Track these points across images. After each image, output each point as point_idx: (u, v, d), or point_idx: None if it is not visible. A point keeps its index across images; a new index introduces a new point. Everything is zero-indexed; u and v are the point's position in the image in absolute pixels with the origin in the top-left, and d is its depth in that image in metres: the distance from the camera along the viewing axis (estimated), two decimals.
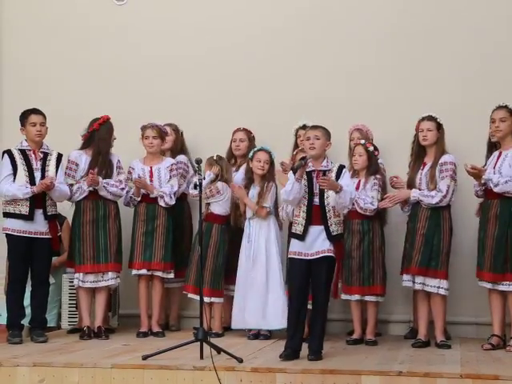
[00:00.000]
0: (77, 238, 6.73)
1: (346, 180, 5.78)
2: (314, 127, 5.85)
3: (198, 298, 6.42)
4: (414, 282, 6.33)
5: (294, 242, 5.81)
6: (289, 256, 5.88)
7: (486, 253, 6.20)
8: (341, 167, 5.81)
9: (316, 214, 5.72)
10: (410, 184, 6.43)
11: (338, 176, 5.74)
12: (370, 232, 6.52)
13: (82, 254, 6.69)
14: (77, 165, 6.75)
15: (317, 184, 5.73)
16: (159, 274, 6.87)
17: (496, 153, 6.30)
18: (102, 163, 6.72)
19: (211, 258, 6.79)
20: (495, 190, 6.11)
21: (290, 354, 5.61)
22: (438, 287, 6.29)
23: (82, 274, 6.68)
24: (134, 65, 7.78)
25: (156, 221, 6.88)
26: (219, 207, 6.85)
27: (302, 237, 5.72)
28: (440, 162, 6.33)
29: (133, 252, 6.90)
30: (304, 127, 6.92)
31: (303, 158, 5.66)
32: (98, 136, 6.75)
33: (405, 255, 6.49)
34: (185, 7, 7.79)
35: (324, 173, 5.75)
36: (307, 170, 5.72)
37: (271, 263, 6.62)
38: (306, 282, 5.70)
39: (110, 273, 6.72)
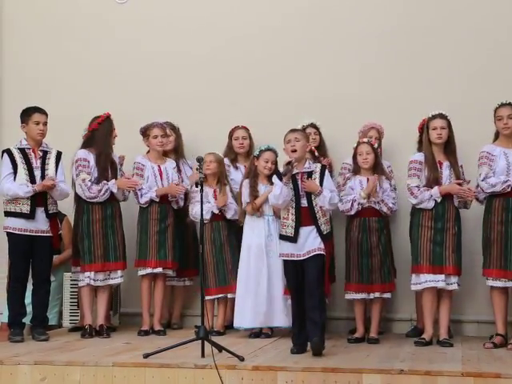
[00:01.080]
0: (86, 236, 6.70)
1: (330, 183, 5.90)
2: (293, 130, 5.97)
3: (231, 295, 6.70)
4: (447, 283, 6.24)
5: (284, 243, 5.89)
6: (281, 258, 5.98)
7: None
8: (323, 167, 5.93)
9: (305, 215, 5.82)
10: (436, 183, 6.27)
11: (321, 177, 5.85)
12: (384, 229, 6.55)
13: (93, 253, 6.68)
14: (88, 161, 6.71)
15: (302, 186, 5.83)
16: (170, 272, 6.90)
17: (508, 151, 6.24)
18: (106, 163, 6.71)
19: (229, 253, 6.83)
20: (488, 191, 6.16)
21: (300, 349, 5.79)
22: (458, 284, 6.32)
23: (93, 272, 6.67)
24: (135, 64, 7.79)
25: (167, 220, 6.90)
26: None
27: (293, 239, 5.80)
28: (460, 164, 6.36)
29: (144, 251, 6.86)
30: (312, 125, 6.93)
31: (289, 163, 5.74)
32: (98, 136, 6.73)
33: (420, 254, 6.29)
34: (184, 6, 7.79)
35: (308, 174, 5.83)
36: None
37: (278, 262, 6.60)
38: (303, 280, 5.78)
39: (119, 271, 6.73)
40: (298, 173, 5.86)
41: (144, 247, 6.88)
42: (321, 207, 5.83)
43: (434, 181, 6.29)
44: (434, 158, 6.34)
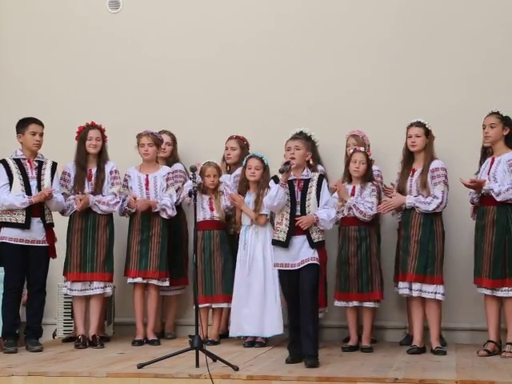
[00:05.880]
0: (66, 246, 6.75)
1: (326, 196, 5.86)
2: (294, 138, 5.97)
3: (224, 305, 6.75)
4: (410, 289, 6.31)
5: (278, 252, 5.86)
6: (275, 268, 5.96)
7: (483, 259, 6.20)
8: (321, 177, 5.89)
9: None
10: (401, 191, 6.42)
11: (318, 185, 5.82)
12: (367, 238, 6.53)
13: (70, 262, 6.70)
14: (69, 175, 6.76)
15: (298, 193, 5.80)
16: (154, 282, 6.87)
17: (489, 159, 6.32)
18: (80, 174, 6.69)
19: (222, 263, 6.84)
20: (498, 199, 6.12)
21: (295, 357, 5.74)
22: (435, 293, 6.29)
23: (69, 282, 6.69)
24: (130, 72, 7.76)
25: (151, 230, 6.88)
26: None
27: (284, 243, 5.76)
28: (431, 168, 6.33)
29: (128, 260, 6.90)
30: (301, 134, 6.93)
31: (287, 163, 5.71)
32: (76, 147, 6.77)
33: (398, 262, 6.49)
34: (179, 14, 7.78)
35: (305, 182, 5.81)
36: (288, 179, 5.77)
37: (268, 270, 6.61)
38: (298, 290, 5.75)
39: (95, 282, 6.70)
40: (295, 179, 5.83)
41: (128, 257, 6.91)
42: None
43: (401, 190, 6.40)
44: (408, 166, 6.42)
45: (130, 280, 6.87)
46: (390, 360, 5.97)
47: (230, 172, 7.17)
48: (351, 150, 6.68)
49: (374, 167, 6.83)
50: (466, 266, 6.56)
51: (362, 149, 6.64)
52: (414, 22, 7.34)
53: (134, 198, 6.81)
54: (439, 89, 7.20)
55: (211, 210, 6.88)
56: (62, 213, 6.74)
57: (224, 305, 6.81)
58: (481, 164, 6.38)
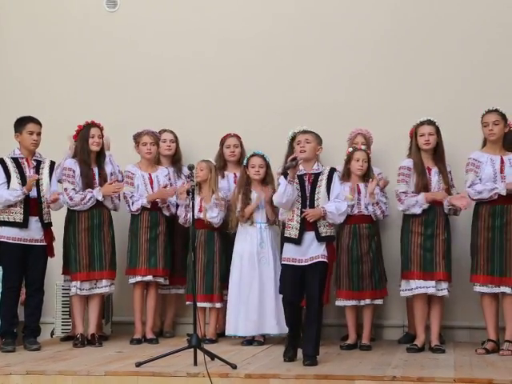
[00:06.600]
0: (72, 246, 6.71)
1: (337, 189, 5.80)
2: (305, 131, 5.88)
3: (207, 305, 6.73)
4: (437, 289, 6.26)
5: (287, 247, 5.78)
6: (282, 262, 5.84)
7: (506, 258, 6.14)
8: (332, 170, 5.83)
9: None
10: (425, 189, 6.29)
11: (329, 179, 5.77)
12: (375, 236, 6.56)
13: (78, 262, 6.67)
14: (74, 171, 6.69)
15: (308, 187, 5.75)
16: (161, 280, 6.88)
17: (494, 157, 6.26)
18: (87, 172, 6.67)
19: (217, 263, 6.82)
20: None
21: (293, 354, 5.73)
22: (449, 291, 6.34)
23: (79, 281, 6.66)
24: (128, 71, 7.77)
25: (158, 228, 6.89)
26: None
27: (297, 240, 5.69)
28: (448, 170, 6.37)
29: (135, 259, 6.86)
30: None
31: (294, 159, 5.64)
32: (77, 145, 6.74)
33: (409, 260, 6.34)
34: (177, 13, 7.78)
35: (315, 176, 5.76)
36: (299, 173, 5.72)
37: (278, 268, 6.57)
38: (300, 286, 5.70)
39: (104, 280, 6.70)
40: (305, 174, 5.77)
41: (134, 255, 6.88)
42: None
43: (423, 187, 6.31)
44: (422, 164, 6.37)
45: (138, 278, 6.83)
46: (389, 358, 5.97)
47: (223, 170, 7.12)
48: (350, 149, 6.68)
49: (376, 169, 6.85)
50: (463, 265, 6.56)
51: (364, 147, 6.65)
52: (410, 22, 7.35)
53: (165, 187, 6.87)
54: (435, 89, 7.21)
55: (199, 211, 6.83)
56: (75, 206, 6.62)
57: (205, 304, 6.77)
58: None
